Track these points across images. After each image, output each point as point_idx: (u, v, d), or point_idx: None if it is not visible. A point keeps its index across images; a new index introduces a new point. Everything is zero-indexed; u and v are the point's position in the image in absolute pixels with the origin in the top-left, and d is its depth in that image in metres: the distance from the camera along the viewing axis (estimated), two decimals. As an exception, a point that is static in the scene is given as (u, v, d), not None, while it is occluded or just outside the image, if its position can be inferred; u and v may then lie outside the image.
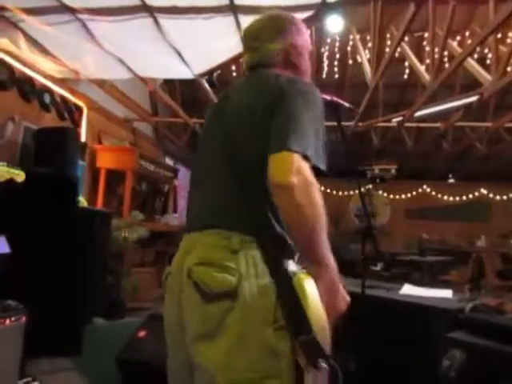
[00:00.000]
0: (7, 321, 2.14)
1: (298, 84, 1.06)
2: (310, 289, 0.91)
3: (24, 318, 2.24)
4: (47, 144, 3.46)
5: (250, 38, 1.28)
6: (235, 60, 3.60)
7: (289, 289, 0.91)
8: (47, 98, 4.03)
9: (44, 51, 3.51)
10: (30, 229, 2.70)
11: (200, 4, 2.72)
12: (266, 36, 1.24)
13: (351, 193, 10.32)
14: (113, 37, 3.17)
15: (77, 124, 4.56)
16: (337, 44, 6.37)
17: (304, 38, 1.27)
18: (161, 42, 3.23)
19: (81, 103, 4.66)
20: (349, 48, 6.45)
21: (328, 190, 10.20)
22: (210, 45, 3.28)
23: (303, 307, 0.88)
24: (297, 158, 0.92)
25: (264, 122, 1.01)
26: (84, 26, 3.04)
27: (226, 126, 1.12)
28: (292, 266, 0.94)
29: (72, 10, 2.84)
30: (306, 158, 0.93)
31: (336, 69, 6.62)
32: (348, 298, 0.99)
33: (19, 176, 2.18)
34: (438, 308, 1.58)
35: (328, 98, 1.47)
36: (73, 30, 3.08)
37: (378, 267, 6.95)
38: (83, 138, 4.65)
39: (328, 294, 0.94)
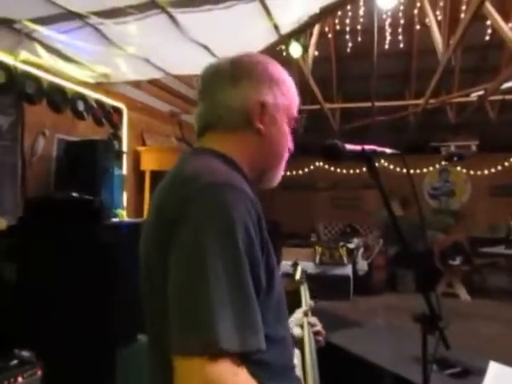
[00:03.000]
0: (19, 378, 1.98)
1: (206, 202, 0.64)
2: None
3: (39, 373, 2.07)
4: (77, 160, 3.29)
5: (201, 88, 0.86)
6: (271, 49, 3.09)
7: None
8: (81, 106, 3.85)
9: (67, 59, 3.28)
10: (48, 263, 2.54)
11: (215, -7, 2.25)
12: (219, 84, 0.82)
13: (424, 170, 9.33)
14: (128, 38, 2.84)
15: (116, 127, 4.38)
16: (401, 8, 5.48)
17: (285, 96, 0.85)
18: (183, 38, 2.84)
19: (120, 104, 4.46)
20: (415, 11, 5.54)
21: (397, 168, 9.31)
22: (237, 35, 2.81)
23: None
24: (198, 367, 0.56)
25: (163, 278, 0.65)
26: (96, 30, 2.73)
27: (141, 264, 0.81)
28: None
29: (79, 16, 2.54)
30: (221, 352, 0.56)
31: (400, 37, 5.74)
32: None
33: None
34: None
35: (358, 148, 0.98)
36: (86, 35, 2.79)
37: (457, 261, 6.17)
38: (124, 141, 4.48)
39: None
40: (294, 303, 1.46)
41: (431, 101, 5.22)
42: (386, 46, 5.93)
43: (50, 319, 2.56)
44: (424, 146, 8.38)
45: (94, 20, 2.60)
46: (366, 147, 0.99)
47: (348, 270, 5.55)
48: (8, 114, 3.14)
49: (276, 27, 2.71)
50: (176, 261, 0.62)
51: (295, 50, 3.22)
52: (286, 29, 2.75)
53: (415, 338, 1.17)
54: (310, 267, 5.57)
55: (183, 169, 0.75)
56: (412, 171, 9.42)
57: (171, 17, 2.53)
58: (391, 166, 9.46)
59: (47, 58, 3.21)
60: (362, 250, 5.83)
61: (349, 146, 0.96)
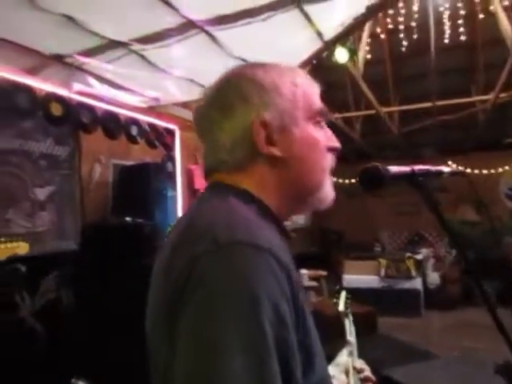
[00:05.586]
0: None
1: (220, 270, 0.51)
2: None
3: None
4: (131, 184, 3.37)
5: (196, 127, 0.73)
6: (316, 57, 2.95)
7: None
8: (134, 130, 3.95)
9: (118, 86, 3.38)
10: (103, 290, 2.57)
11: (250, 5, 2.17)
12: (210, 120, 0.68)
13: (500, 169, 8.52)
14: (171, 61, 2.85)
15: (169, 148, 4.45)
16: (460, -3, 5.07)
17: (288, 95, 0.67)
18: (224, 55, 2.79)
19: (172, 125, 4.53)
20: (477, -1, 5.10)
21: (468, 169, 8.58)
22: (279, 46, 2.71)
23: None
24: None
25: (167, 356, 0.53)
26: (140, 56, 2.77)
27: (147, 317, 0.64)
28: None
29: (122, 44, 2.58)
30: None
31: (462, 29, 5.30)
32: None
33: (20, 248, 2.00)
34: None
35: (406, 170, 0.81)
36: (132, 62, 2.84)
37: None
38: (178, 161, 4.53)
39: None
40: (336, 332, 1.28)
41: (502, 95, 4.73)
42: (446, 41, 5.52)
43: (107, 347, 2.58)
44: (497, 143, 7.67)
45: (136, 47, 2.63)
46: (417, 168, 0.81)
47: (417, 284, 5.15)
48: (65, 144, 3.29)
49: (319, 34, 2.57)
50: (181, 354, 0.50)
51: (341, 55, 3.05)
52: (329, 34, 2.59)
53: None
54: (375, 281, 5.24)
55: (198, 215, 0.62)
56: (485, 171, 8.65)
57: (210, 35, 2.49)
58: (461, 167, 8.77)
59: (99, 88, 3.33)
60: (432, 261, 5.39)
61: (394, 169, 0.78)
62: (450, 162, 8.32)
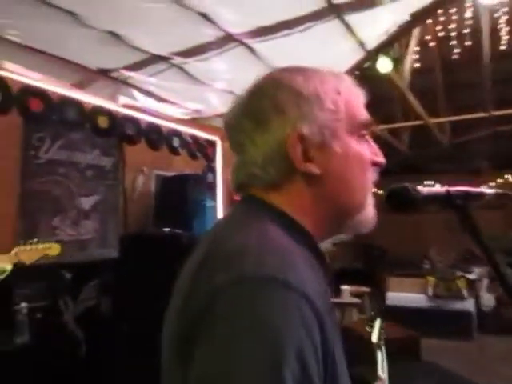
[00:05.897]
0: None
1: (242, 309, 0.46)
2: None
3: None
4: (171, 194, 3.43)
5: (227, 137, 0.70)
6: (358, 67, 2.86)
7: None
8: (176, 142, 4.03)
9: (161, 99, 3.46)
10: (140, 298, 2.60)
11: (289, 16, 2.13)
12: (241, 131, 0.64)
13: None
14: (211, 73, 2.87)
15: (211, 159, 4.49)
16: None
17: (329, 107, 0.61)
18: (263, 66, 2.77)
19: (213, 137, 4.57)
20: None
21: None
22: (320, 58, 2.65)
23: None
24: None
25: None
26: (181, 69, 2.81)
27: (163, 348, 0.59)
28: None
29: (163, 58, 2.64)
30: None
31: (520, 34, 4.97)
32: None
33: (52, 249, 2.02)
34: None
35: (440, 192, 0.74)
36: (173, 75, 2.90)
37: None
38: (218, 172, 4.56)
39: None
40: (370, 359, 1.18)
41: None
42: (503, 47, 5.20)
43: (145, 356, 2.59)
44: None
45: (177, 60, 2.68)
46: (453, 190, 0.73)
47: (469, 305, 4.81)
48: (111, 155, 3.40)
49: (361, 43, 2.49)
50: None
51: (384, 64, 2.93)
52: (372, 44, 2.50)
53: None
54: (422, 300, 4.96)
55: (228, 233, 0.58)
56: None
57: (249, 48, 2.49)
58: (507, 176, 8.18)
59: (144, 101, 3.42)
60: (486, 281, 5.02)
61: (425, 190, 0.71)
62: (506, 176, 7.81)
